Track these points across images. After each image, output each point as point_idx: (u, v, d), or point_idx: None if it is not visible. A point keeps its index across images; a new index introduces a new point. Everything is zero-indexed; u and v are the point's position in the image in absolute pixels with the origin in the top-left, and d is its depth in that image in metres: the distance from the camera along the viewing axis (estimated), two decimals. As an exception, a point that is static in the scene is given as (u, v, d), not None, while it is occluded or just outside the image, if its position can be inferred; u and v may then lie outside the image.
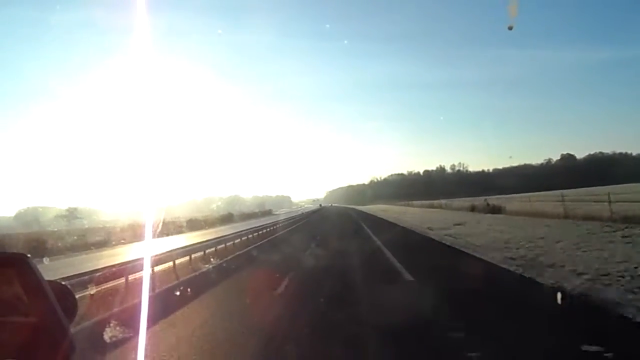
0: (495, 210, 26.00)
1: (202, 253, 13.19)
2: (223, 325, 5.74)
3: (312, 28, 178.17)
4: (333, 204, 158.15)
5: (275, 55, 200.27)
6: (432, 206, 49.24)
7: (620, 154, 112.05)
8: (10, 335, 0.84)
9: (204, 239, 16.77)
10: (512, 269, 8.29)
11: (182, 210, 56.48)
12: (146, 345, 4.38)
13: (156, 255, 9.88)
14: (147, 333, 4.70)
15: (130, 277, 8.32)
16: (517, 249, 10.57)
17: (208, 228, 37.27)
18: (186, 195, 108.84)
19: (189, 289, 8.18)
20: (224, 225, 42.15)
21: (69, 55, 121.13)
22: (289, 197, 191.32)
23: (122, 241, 24.89)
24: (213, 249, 14.32)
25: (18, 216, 63.67)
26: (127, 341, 4.89)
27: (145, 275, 8.31)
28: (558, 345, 4.09)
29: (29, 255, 0.86)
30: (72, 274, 8.57)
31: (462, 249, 11.84)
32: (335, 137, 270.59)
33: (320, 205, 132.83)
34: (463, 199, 46.98)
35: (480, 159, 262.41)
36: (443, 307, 5.67)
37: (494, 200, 31.00)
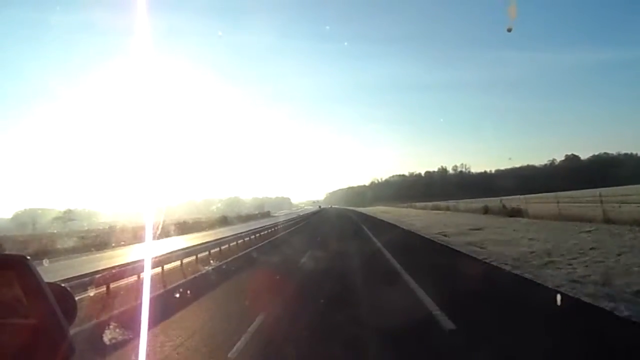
0: (515, 212, 23.44)
1: (166, 266, 11.11)
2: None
3: (312, 29, 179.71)
4: (333, 206, 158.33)
5: (275, 57, 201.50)
6: (437, 208, 47.18)
7: (626, 154, 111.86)
8: (10, 337, 0.85)
9: (178, 248, 14.17)
10: (604, 305, 5.41)
11: (180, 211, 56.56)
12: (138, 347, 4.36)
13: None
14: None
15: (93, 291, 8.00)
16: (572, 265, 8.36)
17: (196, 232, 35.41)
18: (185, 197, 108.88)
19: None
20: (213, 229, 39.73)
21: (68, 56, 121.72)
22: (288, 199, 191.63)
23: (113, 245, 24.88)
24: (189, 258, 12.81)
25: (15, 218, 63.80)
26: (126, 342, 4.89)
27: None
28: None
29: (28, 257, 0.86)
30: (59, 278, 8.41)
31: (502, 266, 9.05)
32: (335, 138, 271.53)
33: (320, 207, 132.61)
34: (467, 200, 46.02)
35: (482, 160, 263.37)
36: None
37: (510, 201, 27.78)
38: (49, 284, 0.87)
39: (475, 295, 6.56)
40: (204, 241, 17.81)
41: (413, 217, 37.17)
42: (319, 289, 7.91)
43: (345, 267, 10.66)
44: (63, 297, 0.89)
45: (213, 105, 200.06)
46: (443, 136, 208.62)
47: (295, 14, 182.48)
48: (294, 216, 57.00)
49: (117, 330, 5.31)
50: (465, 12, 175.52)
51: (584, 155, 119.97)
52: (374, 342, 4.71)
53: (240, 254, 15.50)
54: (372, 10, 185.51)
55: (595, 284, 6.63)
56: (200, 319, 6.37)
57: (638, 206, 16.49)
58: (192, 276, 10.72)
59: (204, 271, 11.65)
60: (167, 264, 11.16)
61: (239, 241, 18.96)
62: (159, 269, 10.59)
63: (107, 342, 5.01)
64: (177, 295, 8.26)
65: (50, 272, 11.38)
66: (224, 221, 51.67)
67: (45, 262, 13.49)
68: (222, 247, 16.52)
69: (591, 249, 10.02)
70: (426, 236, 17.97)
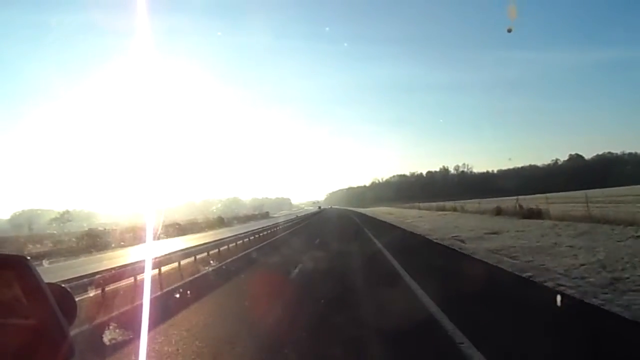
0: (533, 214, 21.39)
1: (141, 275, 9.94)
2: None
3: (312, 30, 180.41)
4: (333, 206, 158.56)
5: (275, 57, 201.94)
6: (442, 209, 44.59)
7: (630, 154, 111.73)
8: (10, 337, 0.85)
9: (165, 253, 12.86)
10: None
11: (179, 213, 56.63)
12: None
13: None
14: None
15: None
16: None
17: (190, 234, 34.69)
18: (185, 198, 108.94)
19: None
20: (206, 232, 38.84)
21: (67, 56, 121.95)
22: (288, 200, 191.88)
23: (101, 248, 24.86)
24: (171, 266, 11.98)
25: (13, 219, 63.86)
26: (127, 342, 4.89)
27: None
28: None
29: (28, 258, 0.87)
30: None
31: (561, 288, 6.76)
32: (335, 139, 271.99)
33: (319, 207, 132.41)
34: (472, 200, 44.45)
35: (484, 160, 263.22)
36: None
37: (524, 201, 25.72)
38: (49, 284, 0.88)
39: (512, 326, 4.90)
40: (189, 245, 17.27)
41: (418, 218, 35.23)
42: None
43: (346, 290, 8.00)
44: (63, 298, 0.90)
45: (212, 106, 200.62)
46: (444, 137, 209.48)
47: (295, 15, 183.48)
48: (292, 217, 55.65)
49: (116, 330, 5.34)
50: (466, 13, 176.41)
51: (588, 155, 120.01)
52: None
53: (231, 258, 15.17)
54: (372, 11, 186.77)
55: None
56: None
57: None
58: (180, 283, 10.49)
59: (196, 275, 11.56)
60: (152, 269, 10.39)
61: (231, 245, 18.21)
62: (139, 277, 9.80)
63: (107, 343, 5.04)
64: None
65: (45, 273, 11.38)
66: (220, 223, 51.40)
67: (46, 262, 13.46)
68: (211, 252, 15.74)
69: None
70: (440, 242, 15.61)
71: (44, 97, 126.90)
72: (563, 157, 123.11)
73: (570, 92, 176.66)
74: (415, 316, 5.55)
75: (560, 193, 39.98)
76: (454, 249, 13.28)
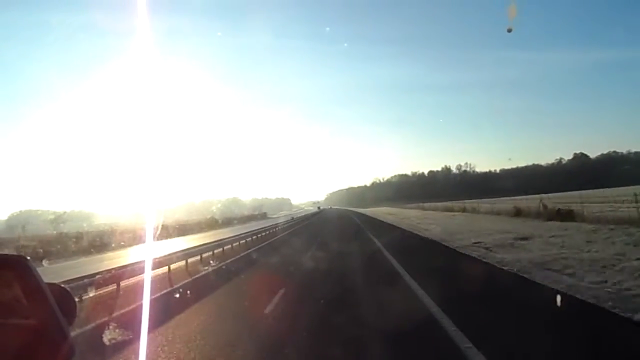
0: (563, 215, 19.03)
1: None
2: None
3: (312, 31, 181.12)
4: (333, 207, 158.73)
5: (275, 58, 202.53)
6: (450, 209, 41.19)
7: (636, 153, 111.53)
8: (10, 337, 0.86)
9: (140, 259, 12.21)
10: None
11: (179, 213, 56.68)
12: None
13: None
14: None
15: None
16: None
17: (181, 235, 33.17)
18: (185, 198, 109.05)
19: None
20: (193, 234, 36.86)
21: (67, 57, 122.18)
22: (289, 200, 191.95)
23: (91, 250, 24.77)
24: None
25: (10, 219, 63.89)
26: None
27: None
28: None
29: (28, 258, 0.87)
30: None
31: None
32: (335, 139, 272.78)
33: (319, 208, 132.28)
34: (476, 200, 43.27)
35: (485, 160, 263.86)
36: None
37: (549, 201, 23.04)
38: (49, 284, 0.89)
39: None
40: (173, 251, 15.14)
41: (425, 220, 32.11)
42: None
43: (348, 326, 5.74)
44: (63, 298, 0.90)
45: (213, 106, 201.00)
46: (445, 137, 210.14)
47: (295, 15, 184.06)
48: (289, 219, 51.28)
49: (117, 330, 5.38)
50: (466, 13, 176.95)
51: (592, 154, 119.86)
52: None
53: (218, 265, 14.97)
54: (372, 12, 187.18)
55: None
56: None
57: None
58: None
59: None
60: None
61: (216, 250, 16.88)
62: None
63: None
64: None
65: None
66: (212, 224, 50.50)
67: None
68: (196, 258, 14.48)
69: None
70: (461, 250, 13.14)
71: (44, 97, 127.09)
72: (566, 157, 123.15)
73: (571, 91, 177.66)
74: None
75: (574, 192, 38.22)
76: (486, 262, 10.46)
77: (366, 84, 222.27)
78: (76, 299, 1.19)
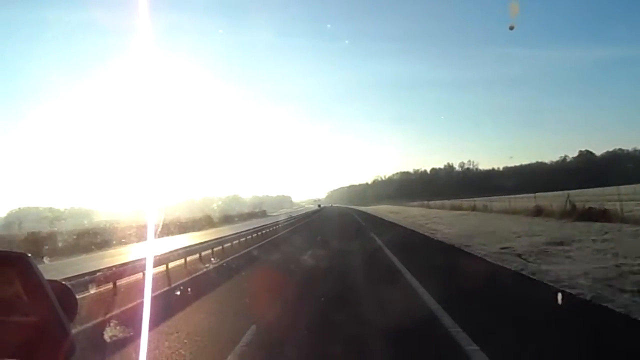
0: (595, 215, 17.03)
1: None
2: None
3: (313, 27, 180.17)
4: (334, 205, 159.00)
5: (276, 55, 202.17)
6: (459, 208, 38.14)
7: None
8: (11, 334, 0.87)
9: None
10: None
11: (180, 210, 56.71)
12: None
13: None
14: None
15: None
16: None
17: (182, 233, 32.71)
18: (185, 196, 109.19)
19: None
20: (194, 232, 36.05)
21: (66, 53, 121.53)
22: (289, 197, 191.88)
23: (92, 247, 24.78)
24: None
25: (9, 216, 64.15)
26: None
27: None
28: None
29: (29, 255, 0.88)
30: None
31: None
32: (336, 136, 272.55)
33: (319, 206, 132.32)
34: (484, 198, 40.77)
35: (487, 157, 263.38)
36: None
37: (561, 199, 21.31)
38: (50, 281, 0.89)
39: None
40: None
41: (434, 219, 29.79)
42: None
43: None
44: (64, 295, 0.91)
45: (213, 104, 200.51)
46: (447, 134, 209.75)
47: (296, 12, 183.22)
48: (286, 217, 49.91)
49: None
50: (468, 10, 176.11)
51: (598, 151, 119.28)
52: None
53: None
54: (373, 9, 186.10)
55: None
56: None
57: None
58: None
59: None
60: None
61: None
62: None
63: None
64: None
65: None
66: (206, 223, 49.83)
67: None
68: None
69: None
70: (489, 259, 10.69)
71: (44, 94, 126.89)
72: (571, 154, 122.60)
73: (574, 89, 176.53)
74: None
75: (588, 190, 37.03)
76: (535, 279, 7.89)
77: (367, 81, 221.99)
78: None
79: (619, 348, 4.32)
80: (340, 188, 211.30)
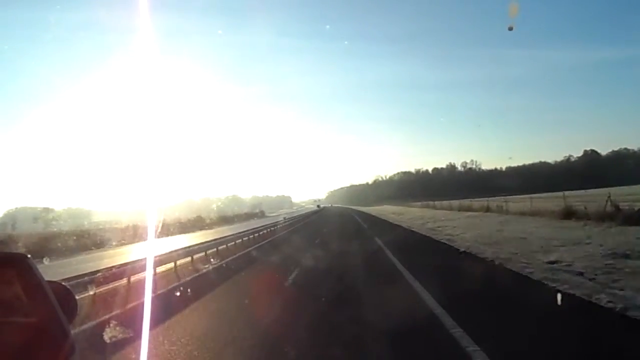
0: (631, 218, 14.47)
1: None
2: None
3: (313, 28, 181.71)
4: (334, 205, 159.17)
5: (276, 55, 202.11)
6: (468, 208, 34.28)
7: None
8: (11, 336, 0.87)
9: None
10: None
11: (179, 210, 56.82)
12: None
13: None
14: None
15: None
16: None
17: (181, 233, 32.11)
18: (184, 196, 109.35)
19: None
20: (194, 232, 35.01)
21: (66, 54, 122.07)
22: (289, 198, 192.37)
23: (91, 247, 24.79)
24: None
25: (6, 216, 64.26)
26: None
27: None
28: None
29: (29, 256, 0.89)
30: None
31: None
32: (337, 136, 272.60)
33: (319, 206, 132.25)
34: (480, 199, 40.01)
35: (487, 158, 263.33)
36: None
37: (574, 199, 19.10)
38: (50, 282, 0.90)
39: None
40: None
41: (443, 222, 26.43)
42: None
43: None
44: (64, 296, 0.92)
45: (213, 104, 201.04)
46: (447, 134, 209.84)
47: (296, 13, 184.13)
48: (281, 219, 44.71)
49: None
50: (467, 11, 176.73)
51: (603, 151, 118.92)
52: None
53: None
54: (372, 9, 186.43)
55: None
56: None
57: None
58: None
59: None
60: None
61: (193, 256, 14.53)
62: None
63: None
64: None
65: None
66: (201, 224, 49.44)
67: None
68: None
69: None
70: (544, 280, 7.41)
71: (43, 94, 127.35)
72: (575, 154, 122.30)
73: (574, 89, 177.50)
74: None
75: (600, 190, 34.81)
76: (626, 317, 5.05)
77: (367, 81, 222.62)
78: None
79: None
80: (341, 188, 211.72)
